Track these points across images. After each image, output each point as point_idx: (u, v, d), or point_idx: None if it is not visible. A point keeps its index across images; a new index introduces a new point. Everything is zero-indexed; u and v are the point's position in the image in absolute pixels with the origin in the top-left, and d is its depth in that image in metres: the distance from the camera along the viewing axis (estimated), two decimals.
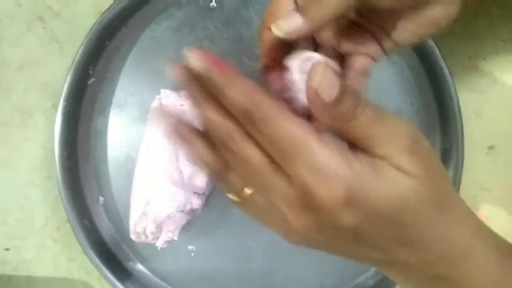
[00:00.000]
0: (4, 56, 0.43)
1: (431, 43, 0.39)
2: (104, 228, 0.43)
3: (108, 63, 0.42)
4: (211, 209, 0.42)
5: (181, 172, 0.40)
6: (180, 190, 0.39)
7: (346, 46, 0.29)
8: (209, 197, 0.42)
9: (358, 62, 0.29)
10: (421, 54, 0.41)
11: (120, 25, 0.42)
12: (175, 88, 0.40)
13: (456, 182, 0.40)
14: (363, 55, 0.29)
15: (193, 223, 0.42)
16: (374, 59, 0.29)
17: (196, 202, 0.40)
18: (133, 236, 0.39)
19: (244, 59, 0.42)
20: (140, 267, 0.43)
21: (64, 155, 0.41)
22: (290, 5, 0.25)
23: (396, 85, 0.42)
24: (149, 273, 0.43)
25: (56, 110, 0.41)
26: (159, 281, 0.43)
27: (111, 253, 0.43)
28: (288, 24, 0.24)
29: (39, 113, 0.43)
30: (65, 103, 0.41)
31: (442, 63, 0.39)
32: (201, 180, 0.40)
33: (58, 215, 0.44)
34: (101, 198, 0.43)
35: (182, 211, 0.39)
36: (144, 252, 0.43)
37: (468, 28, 0.42)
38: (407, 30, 0.28)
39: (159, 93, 0.40)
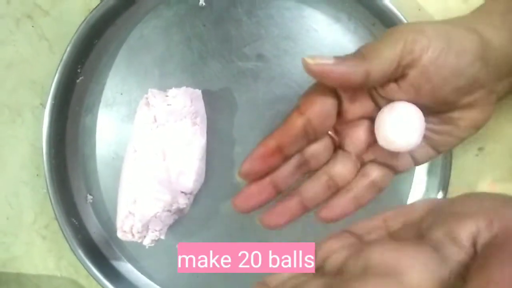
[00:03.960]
0: None
1: None
2: (92, 227, 0.43)
3: (97, 62, 0.42)
4: (199, 209, 0.42)
5: (168, 171, 0.40)
6: (166, 190, 0.39)
7: (372, 152, 0.29)
8: (197, 196, 0.41)
9: (376, 172, 0.29)
10: None
11: (109, 24, 0.41)
12: (164, 86, 0.40)
13: (445, 182, 0.40)
14: (383, 166, 0.29)
15: (181, 222, 0.42)
16: (395, 170, 0.29)
17: (183, 202, 0.40)
18: (119, 235, 0.39)
19: (233, 59, 0.42)
20: (128, 265, 0.43)
21: (52, 153, 0.41)
22: (333, 94, 0.27)
23: None
24: (137, 272, 0.43)
25: (45, 108, 0.41)
26: (147, 280, 0.43)
27: (99, 251, 0.43)
28: (322, 59, 0.25)
29: (28, 111, 0.43)
30: (53, 102, 0.41)
31: None
32: (188, 179, 0.40)
33: (46, 212, 0.44)
34: (89, 197, 0.43)
35: (168, 211, 0.39)
36: (132, 250, 0.43)
37: None
38: (451, 135, 0.29)
39: (147, 92, 0.40)
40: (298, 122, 0.27)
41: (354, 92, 0.28)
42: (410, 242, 0.21)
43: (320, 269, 0.24)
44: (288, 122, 0.27)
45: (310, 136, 0.28)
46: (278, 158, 0.28)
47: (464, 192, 0.22)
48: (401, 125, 0.26)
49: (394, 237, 0.23)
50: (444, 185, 0.39)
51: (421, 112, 0.27)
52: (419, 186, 0.41)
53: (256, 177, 0.28)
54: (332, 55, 0.26)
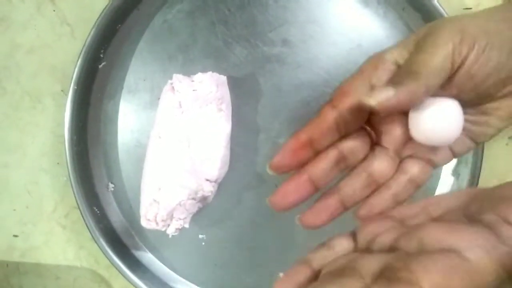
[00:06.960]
0: (14, 38, 0.43)
1: None
2: (114, 215, 0.42)
3: (120, 47, 0.41)
4: (222, 198, 0.41)
5: (192, 158, 0.39)
6: (191, 177, 0.38)
7: (410, 147, 0.28)
8: (221, 185, 0.41)
9: (415, 168, 0.28)
10: None
11: (132, 8, 0.41)
12: (188, 72, 0.39)
13: (476, 173, 0.39)
14: (422, 161, 0.28)
15: (204, 211, 0.41)
16: (434, 164, 0.29)
17: (208, 189, 0.39)
18: (143, 223, 0.39)
19: (258, 44, 0.41)
20: (149, 255, 0.42)
21: (74, 141, 0.40)
22: (367, 86, 0.26)
23: None
24: (159, 262, 0.42)
25: (66, 94, 0.40)
26: (168, 270, 0.42)
27: (120, 240, 0.42)
28: (381, 94, 0.24)
29: (48, 97, 0.43)
30: (75, 87, 0.40)
31: None
32: (213, 166, 0.39)
33: (67, 201, 0.43)
34: (110, 185, 0.42)
35: (193, 199, 0.39)
36: (154, 240, 0.42)
37: None
38: (489, 126, 0.28)
39: (171, 78, 0.39)
40: (329, 116, 0.27)
41: None
42: (463, 223, 0.20)
43: (367, 250, 0.23)
44: (320, 116, 0.27)
45: (341, 130, 0.27)
46: (309, 152, 0.27)
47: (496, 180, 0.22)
48: (441, 120, 0.26)
49: (438, 222, 0.22)
50: (475, 173, 0.38)
51: (460, 106, 0.26)
52: (449, 176, 0.40)
53: (287, 170, 0.28)
54: (387, 88, 0.24)
